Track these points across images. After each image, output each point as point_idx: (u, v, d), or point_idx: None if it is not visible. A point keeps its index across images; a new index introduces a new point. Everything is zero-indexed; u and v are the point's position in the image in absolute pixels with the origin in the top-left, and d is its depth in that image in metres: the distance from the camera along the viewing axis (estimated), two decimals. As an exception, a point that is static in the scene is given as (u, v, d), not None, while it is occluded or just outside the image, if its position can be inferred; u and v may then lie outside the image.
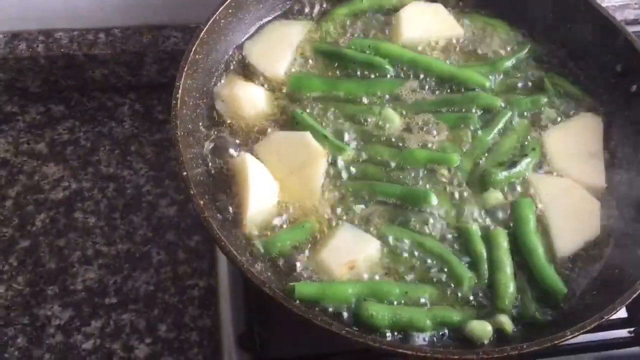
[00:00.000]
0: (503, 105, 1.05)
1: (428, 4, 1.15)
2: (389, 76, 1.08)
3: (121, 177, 1.21)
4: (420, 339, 0.86)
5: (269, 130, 1.01)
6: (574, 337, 0.79)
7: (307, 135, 0.98)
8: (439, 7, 1.15)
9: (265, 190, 0.93)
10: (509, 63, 1.10)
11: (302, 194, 0.96)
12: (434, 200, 0.95)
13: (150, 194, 1.20)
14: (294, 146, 0.98)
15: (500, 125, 1.03)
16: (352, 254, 0.89)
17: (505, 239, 0.92)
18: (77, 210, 1.17)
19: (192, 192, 0.85)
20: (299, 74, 1.07)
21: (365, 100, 1.05)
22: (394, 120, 1.03)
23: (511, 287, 0.89)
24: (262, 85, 1.06)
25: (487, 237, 0.93)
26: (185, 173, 0.86)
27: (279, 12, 1.14)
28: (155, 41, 1.26)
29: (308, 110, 1.03)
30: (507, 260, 0.91)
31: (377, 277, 0.89)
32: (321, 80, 1.06)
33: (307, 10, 1.15)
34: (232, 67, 1.07)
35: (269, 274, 0.89)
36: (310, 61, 1.09)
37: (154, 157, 1.24)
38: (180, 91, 0.93)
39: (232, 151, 0.99)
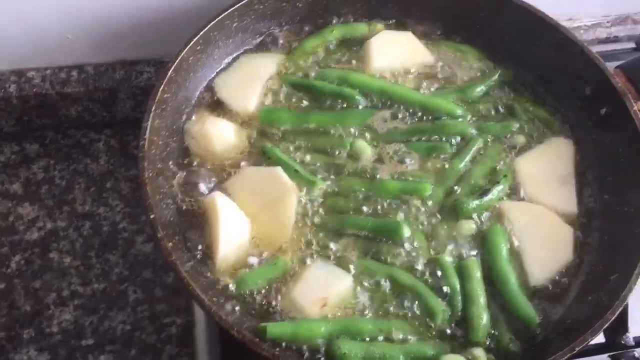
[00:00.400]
0: (474, 132, 1.05)
1: (398, 33, 1.15)
2: (360, 107, 1.07)
3: (97, 214, 1.21)
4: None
5: (242, 165, 1.01)
6: (546, 370, 0.78)
7: (278, 170, 0.98)
8: (409, 35, 1.15)
9: (237, 229, 0.93)
10: (479, 89, 1.10)
11: (275, 230, 0.95)
12: (407, 231, 0.94)
13: (126, 230, 1.19)
14: (264, 182, 0.98)
15: (472, 152, 1.03)
16: (324, 291, 0.88)
17: (478, 270, 0.92)
18: (52, 250, 1.16)
19: (158, 235, 0.84)
20: (269, 107, 1.07)
21: (336, 132, 1.05)
22: (366, 151, 1.02)
23: (484, 319, 0.88)
24: (233, 120, 1.05)
25: (460, 268, 0.92)
26: (152, 216, 0.86)
27: (249, 46, 1.13)
28: (129, 77, 1.26)
29: (279, 144, 1.03)
30: (480, 291, 0.90)
31: (349, 314, 0.89)
32: (291, 113, 1.06)
33: (278, 43, 1.15)
34: (202, 103, 1.07)
35: (242, 313, 0.89)
36: (281, 94, 1.09)
37: (130, 193, 1.24)
38: (147, 132, 0.93)
39: (203, 188, 0.98)
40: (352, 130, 1.05)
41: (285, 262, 0.92)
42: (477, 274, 0.91)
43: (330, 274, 0.91)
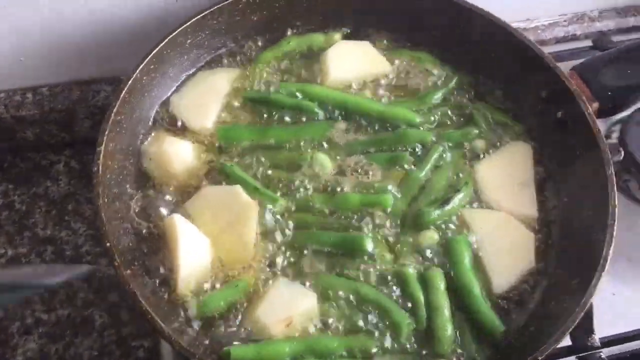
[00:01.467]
0: (434, 139, 1.05)
1: (355, 43, 1.15)
2: (318, 119, 1.06)
3: (59, 238, 1.19)
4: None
5: (202, 185, 1.00)
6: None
7: (237, 188, 0.97)
8: (366, 45, 1.14)
9: (197, 252, 0.92)
10: (437, 96, 1.10)
11: (237, 249, 0.94)
12: (369, 245, 0.94)
13: (89, 253, 1.17)
14: (224, 201, 0.97)
15: (432, 161, 1.03)
16: (287, 310, 0.88)
17: (442, 280, 0.92)
18: (14, 278, 1.14)
19: (115, 263, 0.83)
20: (227, 125, 1.06)
21: (296, 146, 1.04)
22: (326, 164, 1.02)
23: (449, 330, 0.88)
24: (192, 139, 1.04)
25: (424, 279, 0.92)
26: (108, 244, 0.84)
27: (204, 62, 1.12)
28: (85, 97, 1.24)
29: (238, 161, 1.02)
30: (444, 302, 0.90)
31: (314, 332, 0.88)
32: (250, 129, 1.05)
33: (234, 57, 1.14)
34: (159, 123, 1.06)
35: (205, 337, 0.88)
36: (238, 110, 1.08)
37: (93, 215, 1.22)
38: (101, 156, 0.91)
39: (162, 211, 0.97)
40: (312, 143, 1.04)
41: (247, 283, 0.91)
42: (441, 285, 0.91)
43: (294, 292, 0.90)
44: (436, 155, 1.03)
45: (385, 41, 1.16)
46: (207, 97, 1.07)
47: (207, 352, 0.83)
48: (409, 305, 0.91)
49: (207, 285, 0.92)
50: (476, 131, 1.06)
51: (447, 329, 0.88)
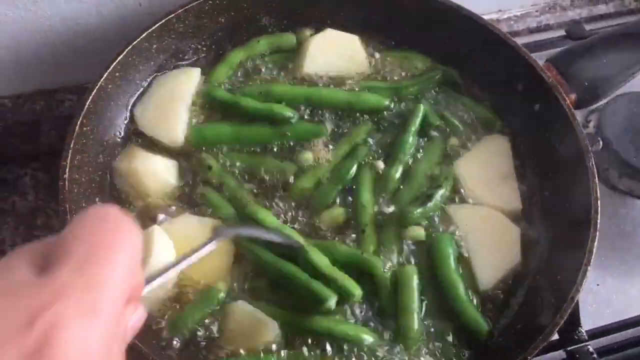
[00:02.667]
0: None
1: (341, 34, 1.11)
2: (293, 121, 1.03)
3: (29, 255, 1.14)
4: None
5: (176, 204, 0.96)
6: (499, 381, 0.77)
7: (214, 222, 0.93)
8: (353, 39, 1.10)
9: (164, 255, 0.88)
10: (412, 89, 1.07)
11: (209, 273, 0.90)
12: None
13: (61, 270, 1.13)
14: (198, 229, 0.92)
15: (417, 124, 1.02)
16: (248, 342, 0.85)
17: (415, 277, 0.89)
18: (-18, 298, 1.09)
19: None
20: (200, 127, 1.02)
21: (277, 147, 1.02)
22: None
23: (415, 328, 0.86)
24: (163, 152, 1.00)
25: (397, 276, 0.90)
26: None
27: (171, 67, 1.08)
28: (50, 107, 1.19)
29: (217, 170, 0.98)
30: (413, 299, 0.88)
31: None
32: (228, 126, 1.01)
33: (202, 60, 1.11)
34: (128, 135, 1.01)
35: (186, 353, 0.85)
36: (209, 115, 1.04)
37: (63, 229, 1.17)
38: (67, 170, 0.87)
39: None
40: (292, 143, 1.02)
41: (219, 291, 0.88)
42: (414, 282, 0.89)
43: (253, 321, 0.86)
44: (419, 117, 1.02)
45: (372, 43, 1.14)
46: (171, 106, 1.02)
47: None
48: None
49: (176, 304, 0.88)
50: (437, 77, 1.07)
51: (413, 327, 0.86)
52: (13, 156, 1.23)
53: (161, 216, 0.94)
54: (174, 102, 1.02)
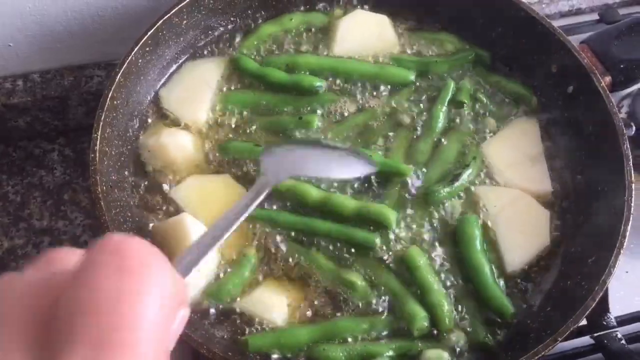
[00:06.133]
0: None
1: (372, 14, 1.10)
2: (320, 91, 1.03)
3: (56, 229, 1.15)
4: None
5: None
6: (530, 363, 0.76)
7: (227, 177, 0.95)
8: (383, 19, 1.10)
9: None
10: (442, 66, 1.06)
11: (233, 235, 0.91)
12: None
13: (88, 244, 1.13)
14: (214, 189, 0.94)
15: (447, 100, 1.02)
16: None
17: (421, 256, 0.89)
18: (10, 269, 1.10)
19: (117, 253, 0.79)
20: (227, 93, 1.03)
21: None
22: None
23: (446, 305, 0.86)
24: (188, 130, 1.00)
25: (404, 261, 0.89)
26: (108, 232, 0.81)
27: (200, 44, 1.08)
28: (78, 82, 1.20)
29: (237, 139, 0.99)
30: (430, 277, 0.87)
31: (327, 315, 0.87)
32: (253, 94, 1.03)
33: (231, 38, 1.10)
34: (155, 112, 1.02)
35: (217, 326, 0.85)
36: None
37: (90, 204, 1.18)
38: (98, 143, 0.88)
39: (162, 200, 0.94)
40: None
41: (251, 258, 0.89)
42: (421, 261, 0.88)
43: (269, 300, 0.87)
44: (450, 93, 1.02)
45: (403, 24, 1.12)
46: (197, 89, 1.03)
47: (214, 342, 0.80)
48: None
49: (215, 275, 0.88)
50: (470, 57, 1.06)
51: (443, 304, 0.86)
52: (41, 132, 1.24)
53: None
54: (199, 86, 1.03)
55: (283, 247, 0.90)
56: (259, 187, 0.66)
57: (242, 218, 0.60)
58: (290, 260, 0.90)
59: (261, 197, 0.64)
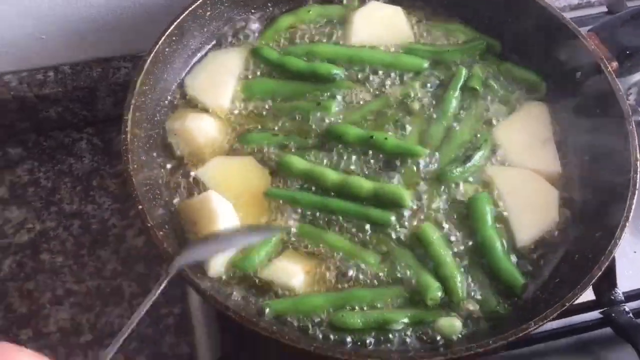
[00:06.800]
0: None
1: (386, 6, 1.15)
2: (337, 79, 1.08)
3: (85, 213, 1.21)
4: (389, 343, 0.87)
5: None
6: (538, 327, 0.80)
7: (251, 159, 1.00)
8: (397, 10, 1.15)
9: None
10: (455, 54, 1.11)
11: (254, 214, 0.96)
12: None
13: (116, 227, 1.19)
14: (238, 171, 0.99)
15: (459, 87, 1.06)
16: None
17: (434, 232, 0.93)
18: (43, 251, 1.16)
19: (149, 224, 0.85)
20: (249, 80, 1.09)
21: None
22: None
23: (458, 277, 0.90)
24: (213, 115, 1.05)
25: (417, 236, 0.94)
26: (140, 207, 0.86)
27: (223, 35, 1.13)
28: (106, 74, 1.26)
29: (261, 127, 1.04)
30: (443, 252, 0.92)
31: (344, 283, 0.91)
32: (272, 82, 1.08)
33: (252, 30, 1.15)
34: (181, 98, 1.07)
35: (240, 293, 0.90)
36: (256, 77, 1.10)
37: (117, 189, 1.24)
38: (129, 124, 0.93)
39: (189, 180, 0.99)
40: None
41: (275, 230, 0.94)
42: (433, 237, 0.93)
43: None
44: (462, 79, 1.06)
45: (416, 15, 1.17)
46: (220, 77, 1.08)
47: (241, 309, 0.85)
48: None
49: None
50: (481, 46, 1.10)
51: (456, 276, 0.90)
52: (71, 121, 1.30)
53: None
54: (222, 74, 1.09)
55: (299, 229, 0.95)
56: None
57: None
58: (306, 242, 0.94)
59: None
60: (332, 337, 0.87)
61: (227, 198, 0.95)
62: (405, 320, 0.87)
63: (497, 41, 1.13)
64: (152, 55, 1.00)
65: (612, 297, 0.98)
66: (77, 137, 1.30)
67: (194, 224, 0.93)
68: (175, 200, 0.97)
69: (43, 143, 1.29)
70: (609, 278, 0.97)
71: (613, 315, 0.97)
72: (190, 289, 1.07)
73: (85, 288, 1.12)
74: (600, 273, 0.83)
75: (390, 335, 0.88)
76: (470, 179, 1.00)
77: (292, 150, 1.02)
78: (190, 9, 1.04)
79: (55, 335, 1.08)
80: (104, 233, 1.18)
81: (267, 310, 0.87)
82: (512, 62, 1.11)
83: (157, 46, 1.01)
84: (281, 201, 0.97)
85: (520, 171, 1.01)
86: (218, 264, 0.90)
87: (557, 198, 0.98)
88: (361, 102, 1.07)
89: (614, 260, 0.92)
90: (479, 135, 1.04)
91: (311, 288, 0.91)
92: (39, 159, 1.27)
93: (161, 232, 0.86)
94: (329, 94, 1.07)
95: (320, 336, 0.87)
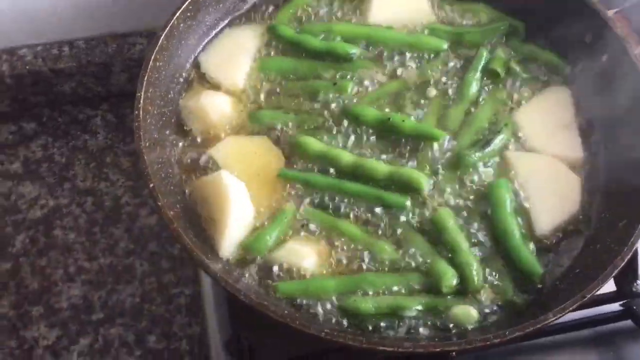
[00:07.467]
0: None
1: None
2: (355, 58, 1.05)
3: (98, 190, 1.20)
4: (403, 330, 0.85)
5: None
6: (557, 318, 0.77)
7: (264, 139, 0.98)
8: None
9: (244, 214, 0.91)
10: (476, 36, 1.07)
11: (267, 194, 0.94)
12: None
13: (129, 204, 1.19)
14: (251, 150, 0.97)
15: (480, 67, 1.03)
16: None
17: (450, 218, 0.91)
18: (56, 227, 1.16)
19: (159, 203, 0.83)
20: (266, 57, 1.06)
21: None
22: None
23: (475, 264, 0.87)
24: (226, 93, 1.03)
25: (433, 222, 0.91)
26: (152, 185, 0.85)
27: (239, 11, 1.11)
28: (121, 49, 1.24)
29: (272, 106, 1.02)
30: (459, 238, 0.89)
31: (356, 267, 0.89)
32: (290, 59, 1.05)
33: (269, 5, 1.13)
34: (195, 75, 1.05)
35: (250, 275, 0.88)
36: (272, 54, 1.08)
37: (131, 167, 1.23)
38: (142, 101, 0.91)
39: (202, 159, 0.97)
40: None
41: (289, 213, 0.92)
42: (450, 223, 0.90)
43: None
44: (482, 61, 1.03)
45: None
46: (235, 55, 1.06)
47: (252, 292, 0.83)
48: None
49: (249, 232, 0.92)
50: (503, 27, 1.07)
51: (471, 264, 0.87)
52: (85, 97, 1.30)
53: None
54: (237, 52, 1.06)
55: (311, 213, 0.93)
56: None
57: None
58: (318, 226, 0.92)
59: None
60: (343, 322, 0.85)
61: (239, 177, 0.94)
62: (419, 307, 0.85)
63: (520, 22, 1.09)
64: (166, 30, 0.98)
65: (634, 289, 0.95)
66: (91, 114, 1.30)
67: (207, 203, 0.92)
68: (188, 180, 0.96)
69: (57, 119, 1.29)
70: (631, 269, 0.94)
71: (634, 307, 0.95)
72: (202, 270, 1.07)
73: (97, 265, 1.12)
74: (622, 264, 0.81)
75: (402, 322, 0.86)
76: (489, 164, 0.97)
77: (306, 130, 0.99)
78: (205, -16, 1.02)
79: (66, 312, 1.08)
80: (117, 211, 1.18)
81: (277, 292, 0.85)
82: (536, 45, 1.07)
83: (172, 21, 0.99)
84: (294, 183, 0.95)
85: (541, 157, 0.98)
86: (229, 245, 0.89)
87: (579, 185, 0.95)
88: (377, 83, 1.04)
89: (636, 251, 0.89)
90: (499, 119, 1.01)
91: (323, 271, 0.89)
92: (54, 135, 1.27)
93: (172, 212, 0.85)
94: (345, 73, 1.04)
95: (333, 320, 0.85)
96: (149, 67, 0.94)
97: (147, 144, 0.90)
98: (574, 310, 0.78)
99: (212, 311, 1.01)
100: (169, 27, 0.98)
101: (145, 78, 0.93)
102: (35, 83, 1.23)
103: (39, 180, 1.21)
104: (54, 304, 1.08)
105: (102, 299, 1.09)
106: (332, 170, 0.96)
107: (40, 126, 1.27)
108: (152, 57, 0.95)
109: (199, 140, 0.99)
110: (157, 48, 0.96)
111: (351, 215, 0.93)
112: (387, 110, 1.01)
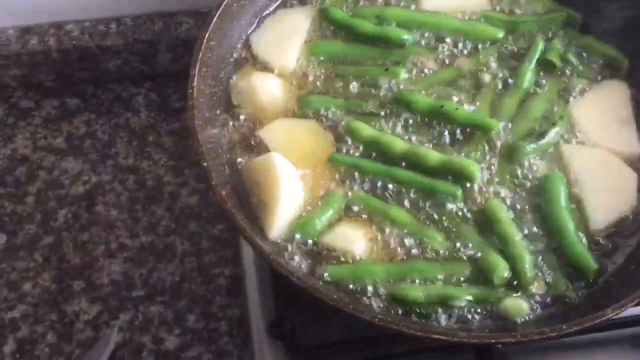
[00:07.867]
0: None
1: None
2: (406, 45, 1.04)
3: (140, 168, 1.20)
4: (453, 320, 0.84)
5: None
6: (615, 314, 0.76)
7: (313, 123, 0.97)
8: None
9: (294, 196, 0.90)
10: (532, 26, 1.06)
11: (317, 178, 0.94)
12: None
13: (170, 184, 1.18)
14: (300, 133, 0.97)
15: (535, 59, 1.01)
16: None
17: (501, 209, 0.89)
18: (98, 204, 1.16)
19: (213, 182, 0.83)
20: (316, 41, 1.06)
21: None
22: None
23: (527, 257, 0.86)
24: (277, 75, 1.03)
25: (484, 213, 0.90)
26: (205, 164, 0.84)
27: (292, -8, 1.10)
28: (167, 28, 1.24)
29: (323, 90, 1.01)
30: (511, 230, 0.88)
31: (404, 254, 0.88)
32: (341, 43, 1.05)
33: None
34: (246, 55, 1.04)
35: (299, 258, 0.87)
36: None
37: (173, 146, 1.23)
38: (195, 79, 0.91)
39: (252, 140, 0.97)
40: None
41: (340, 197, 0.91)
42: (502, 214, 0.88)
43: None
44: (538, 51, 1.01)
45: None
46: (286, 37, 1.05)
47: (303, 273, 0.83)
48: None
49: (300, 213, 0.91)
50: (561, 18, 1.05)
51: (523, 256, 0.86)
52: (129, 75, 1.29)
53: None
54: (289, 34, 1.05)
55: (361, 199, 0.92)
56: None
57: None
58: (368, 212, 0.91)
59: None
60: (390, 309, 0.85)
61: (289, 160, 0.93)
62: (469, 297, 0.84)
63: (578, 13, 1.07)
64: (220, 9, 0.97)
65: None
66: (134, 92, 1.29)
67: (257, 184, 0.91)
68: (237, 160, 0.95)
69: (101, 96, 1.29)
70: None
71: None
72: (242, 250, 1.07)
73: (138, 243, 1.12)
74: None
75: (452, 313, 0.85)
76: (544, 156, 0.95)
77: (355, 115, 0.98)
78: (259, -38, 1.01)
79: (107, 288, 1.08)
80: (159, 189, 1.18)
81: (328, 275, 0.85)
82: (595, 36, 1.05)
83: (226, 1, 0.98)
84: (344, 168, 0.94)
85: (597, 151, 0.96)
86: (279, 228, 0.88)
87: (636, 181, 0.93)
88: (430, 71, 1.03)
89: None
90: (554, 111, 0.99)
91: (372, 256, 0.88)
92: (97, 112, 1.27)
93: (224, 192, 0.84)
94: (397, 59, 1.03)
95: (381, 305, 0.84)
96: (203, 46, 0.94)
97: (200, 123, 0.89)
98: (634, 306, 0.76)
99: (255, 293, 1.00)
100: (223, 5, 0.97)
101: (199, 57, 0.92)
102: (82, 59, 1.23)
103: (81, 156, 1.21)
104: (95, 280, 1.09)
105: (143, 277, 1.09)
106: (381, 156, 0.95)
107: (84, 102, 1.27)
108: (206, 36, 0.94)
109: (248, 121, 0.99)
110: (211, 27, 0.95)
111: (402, 203, 0.92)
112: (438, 97, 0.99)
